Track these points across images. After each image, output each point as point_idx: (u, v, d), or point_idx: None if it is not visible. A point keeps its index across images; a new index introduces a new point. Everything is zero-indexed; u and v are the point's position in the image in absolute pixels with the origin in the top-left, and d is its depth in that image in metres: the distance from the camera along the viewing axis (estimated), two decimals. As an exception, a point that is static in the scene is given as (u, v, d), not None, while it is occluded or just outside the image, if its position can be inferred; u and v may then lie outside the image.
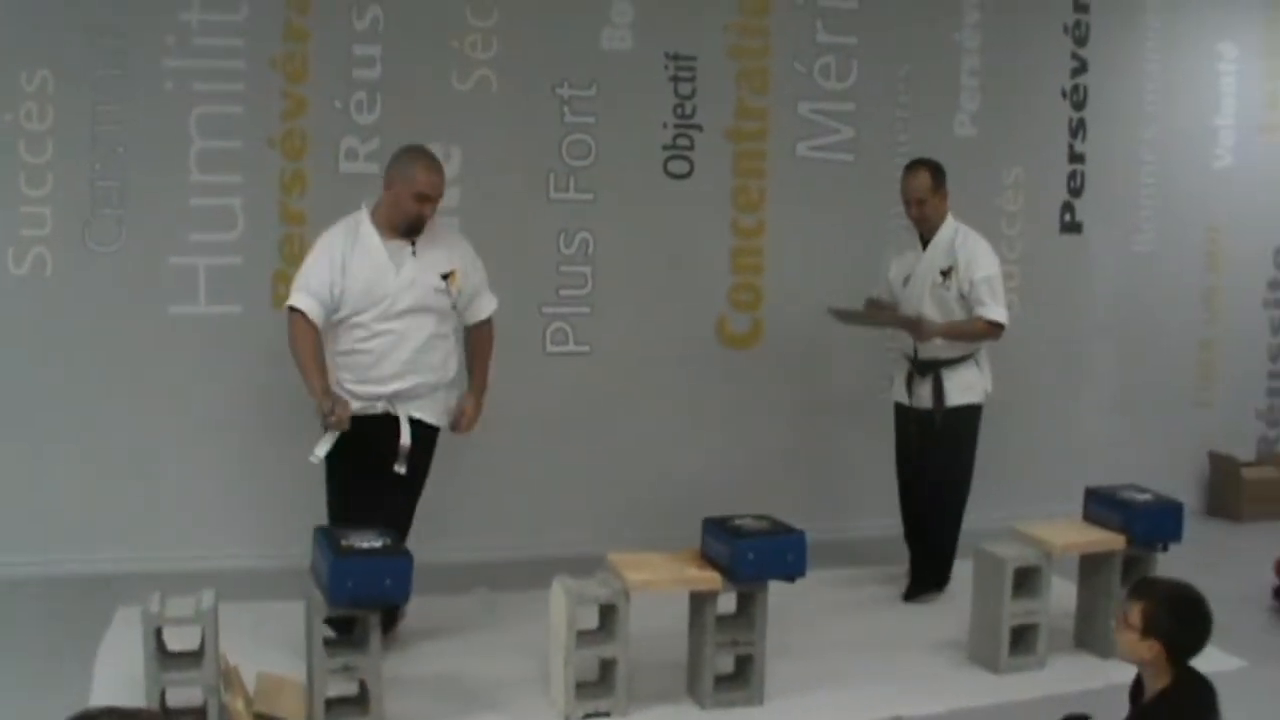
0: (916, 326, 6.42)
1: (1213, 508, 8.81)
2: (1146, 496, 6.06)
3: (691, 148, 7.36)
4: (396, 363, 5.49)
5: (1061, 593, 5.92)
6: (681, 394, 7.35)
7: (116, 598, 5.89)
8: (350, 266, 5.42)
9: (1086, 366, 8.51)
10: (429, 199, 5.49)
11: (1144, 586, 3.78)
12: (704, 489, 6.84)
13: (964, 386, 6.53)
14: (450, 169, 6.90)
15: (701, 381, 7.48)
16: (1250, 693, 3.89)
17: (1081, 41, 8.28)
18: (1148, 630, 3.61)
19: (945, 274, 6.43)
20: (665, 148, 7.34)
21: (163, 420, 6.64)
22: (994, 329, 6.41)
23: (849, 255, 7.68)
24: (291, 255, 6.71)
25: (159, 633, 4.58)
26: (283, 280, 6.70)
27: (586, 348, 7.17)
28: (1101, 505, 6.06)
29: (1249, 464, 8.86)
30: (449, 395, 5.74)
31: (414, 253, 5.51)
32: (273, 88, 6.69)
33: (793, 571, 5.13)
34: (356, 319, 5.45)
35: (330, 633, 4.86)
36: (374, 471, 5.43)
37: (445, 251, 5.60)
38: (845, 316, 6.73)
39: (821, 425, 7.78)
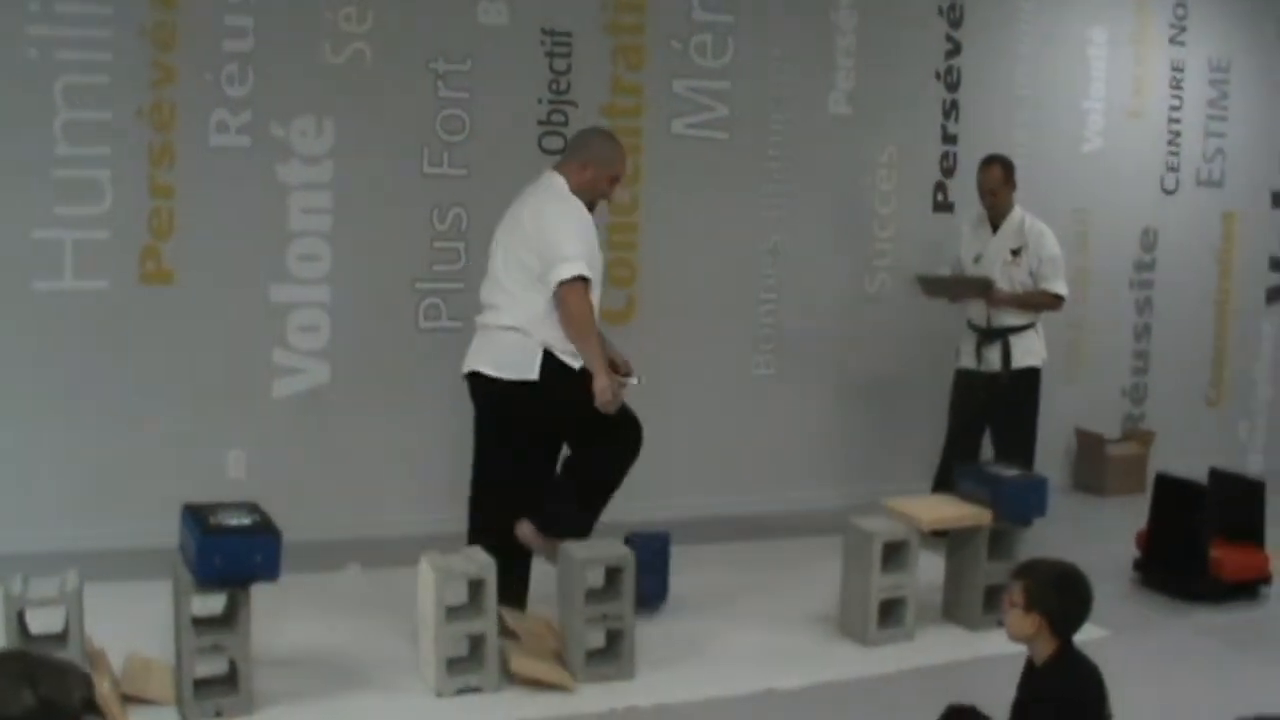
0: (989, 291, 7.30)
1: (1079, 482, 9.02)
2: (1013, 472, 6.20)
3: (566, 124, 7.32)
4: None
5: (929, 566, 6.02)
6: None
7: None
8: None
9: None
10: (620, 182, 5.82)
11: (1026, 566, 3.95)
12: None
13: (1027, 351, 7.43)
14: (323, 143, 6.86)
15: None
16: (1112, 661, 3.98)
17: (956, 24, 8.38)
18: (1030, 605, 3.77)
19: (1015, 253, 7.35)
20: (540, 123, 7.31)
21: (25, 398, 6.48)
22: (1057, 301, 7.43)
23: (723, 232, 7.75)
24: (160, 229, 6.60)
25: (21, 615, 4.50)
26: (151, 255, 6.61)
27: (459, 323, 7.04)
28: (970, 481, 6.17)
29: (1114, 440, 9.08)
30: None
31: None
32: (141, 57, 6.54)
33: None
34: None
35: None
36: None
37: None
38: (928, 284, 7.63)
39: (693, 401, 7.81)
